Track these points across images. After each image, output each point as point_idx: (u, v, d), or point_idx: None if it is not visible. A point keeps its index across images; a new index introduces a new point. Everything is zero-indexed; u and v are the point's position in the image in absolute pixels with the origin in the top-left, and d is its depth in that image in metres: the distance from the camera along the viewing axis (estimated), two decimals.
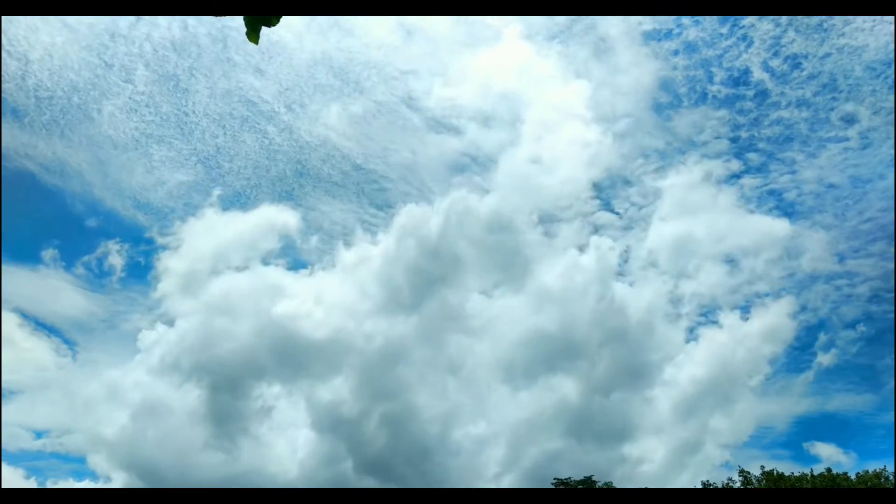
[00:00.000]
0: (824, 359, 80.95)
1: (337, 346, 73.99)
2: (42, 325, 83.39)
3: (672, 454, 70.52)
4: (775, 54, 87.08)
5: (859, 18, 79.61)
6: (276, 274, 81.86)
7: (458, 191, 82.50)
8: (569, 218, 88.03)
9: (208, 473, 68.27)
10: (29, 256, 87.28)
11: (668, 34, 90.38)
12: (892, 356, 73.52)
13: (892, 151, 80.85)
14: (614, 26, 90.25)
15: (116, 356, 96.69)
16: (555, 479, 50.86)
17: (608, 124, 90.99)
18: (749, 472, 48.72)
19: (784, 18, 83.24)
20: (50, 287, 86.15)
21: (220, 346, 72.24)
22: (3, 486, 54.67)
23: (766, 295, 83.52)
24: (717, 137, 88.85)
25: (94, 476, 72.89)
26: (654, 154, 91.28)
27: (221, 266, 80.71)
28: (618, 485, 53.17)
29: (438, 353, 75.90)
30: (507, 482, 67.40)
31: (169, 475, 67.65)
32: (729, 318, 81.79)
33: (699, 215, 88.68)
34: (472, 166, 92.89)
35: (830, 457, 76.83)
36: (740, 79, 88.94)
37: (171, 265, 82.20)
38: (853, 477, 48.02)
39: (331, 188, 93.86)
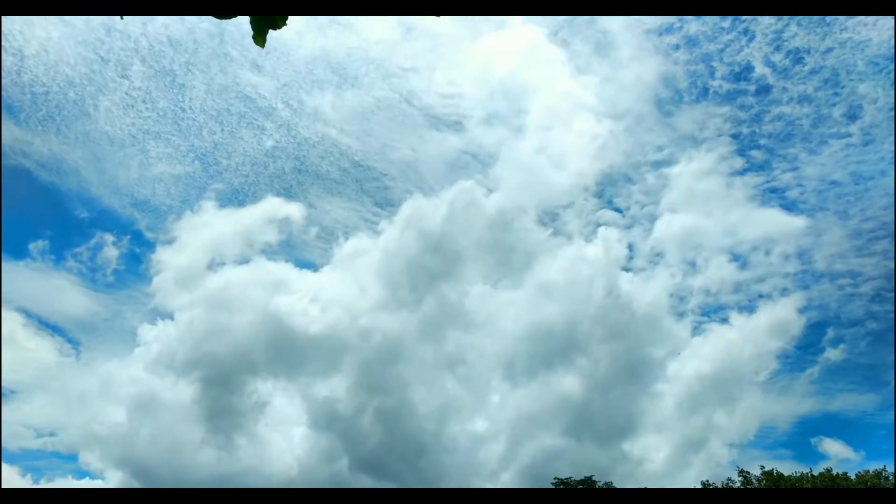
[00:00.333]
0: (831, 355, 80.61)
1: (336, 341, 73.77)
2: (45, 325, 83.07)
3: (676, 451, 70.32)
4: (777, 49, 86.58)
5: None
6: (276, 269, 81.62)
7: (462, 183, 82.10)
8: (571, 214, 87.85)
9: (204, 468, 68.08)
10: (28, 254, 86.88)
11: (669, 28, 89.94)
12: (893, 356, 73.22)
13: (893, 148, 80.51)
14: (615, 21, 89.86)
15: (117, 354, 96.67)
16: (555, 478, 50.67)
17: (611, 120, 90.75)
18: (749, 472, 48.57)
19: None
20: (52, 286, 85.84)
21: (217, 342, 71.97)
22: (1, 486, 54.34)
23: (769, 294, 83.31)
24: (719, 135, 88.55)
25: (91, 475, 72.75)
26: (655, 150, 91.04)
27: (219, 262, 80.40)
28: (620, 483, 53.04)
29: (438, 349, 75.71)
30: (505, 479, 67.30)
31: (165, 471, 67.50)
32: (729, 316, 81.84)
33: (701, 211, 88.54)
34: (474, 163, 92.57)
35: (838, 453, 75.91)
36: (741, 74, 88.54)
37: (169, 261, 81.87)
38: (853, 477, 47.92)
39: (330, 185, 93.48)
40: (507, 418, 73.76)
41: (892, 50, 79.59)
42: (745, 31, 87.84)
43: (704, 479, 49.54)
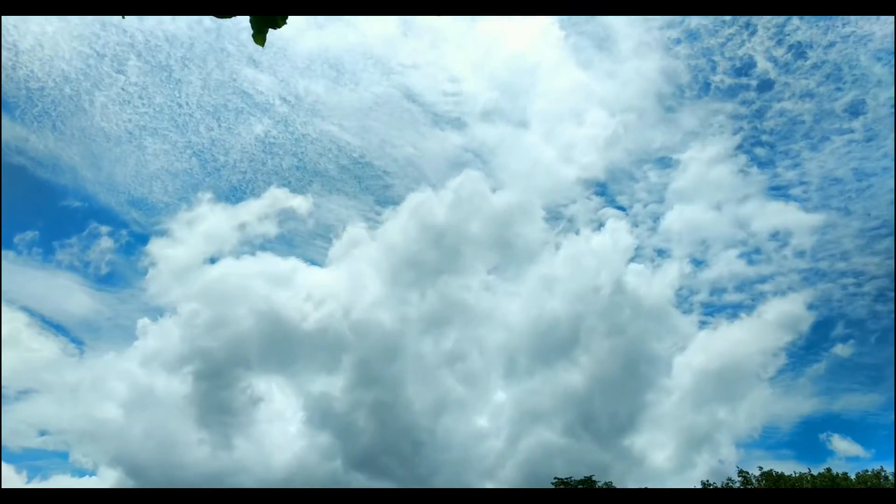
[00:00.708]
0: (835, 351, 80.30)
1: (333, 337, 73.40)
2: (49, 324, 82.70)
3: (679, 449, 69.88)
4: (779, 43, 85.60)
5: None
6: (273, 265, 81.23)
7: (468, 172, 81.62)
8: (574, 209, 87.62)
9: (198, 464, 67.84)
10: (25, 250, 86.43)
11: (671, 22, 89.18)
12: (893, 355, 72.99)
13: (894, 145, 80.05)
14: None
15: (119, 351, 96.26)
16: (555, 478, 50.37)
17: (613, 115, 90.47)
18: (748, 472, 48.42)
19: None
20: (53, 284, 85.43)
21: (212, 337, 71.62)
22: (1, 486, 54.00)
23: (774, 292, 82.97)
24: (721, 132, 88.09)
25: (87, 472, 72.45)
26: (656, 147, 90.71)
27: (216, 256, 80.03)
28: (621, 481, 52.79)
29: (438, 345, 75.38)
30: (502, 477, 67.01)
31: (159, 468, 67.23)
32: (729, 314, 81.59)
33: (703, 207, 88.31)
34: (475, 160, 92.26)
35: (847, 451, 75.50)
36: (743, 69, 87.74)
37: (166, 256, 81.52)
38: (853, 477, 47.80)
39: (329, 182, 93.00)
40: (507, 414, 73.54)
41: (894, 46, 79.08)
42: (747, 26, 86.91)
43: (705, 480, 49.39)
